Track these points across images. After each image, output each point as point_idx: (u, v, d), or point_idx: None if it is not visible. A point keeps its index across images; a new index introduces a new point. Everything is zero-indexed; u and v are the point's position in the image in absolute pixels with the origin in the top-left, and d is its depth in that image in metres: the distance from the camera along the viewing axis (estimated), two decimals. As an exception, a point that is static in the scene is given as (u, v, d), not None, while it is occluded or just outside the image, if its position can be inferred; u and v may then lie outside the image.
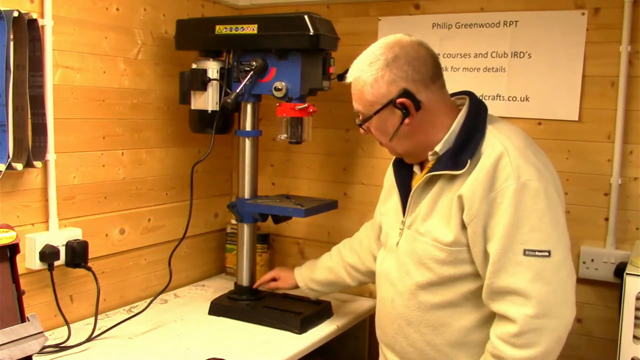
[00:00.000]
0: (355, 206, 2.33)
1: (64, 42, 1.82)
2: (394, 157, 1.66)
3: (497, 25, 2.05)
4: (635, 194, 1.92)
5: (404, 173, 1.62)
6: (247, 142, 2.06)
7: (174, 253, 2.01)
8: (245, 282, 2.09)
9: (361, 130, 1.58)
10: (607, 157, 1.93)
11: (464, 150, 1.44)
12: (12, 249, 1.35)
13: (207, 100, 2.00)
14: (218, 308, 2.05)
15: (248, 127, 2.05)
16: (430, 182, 1.50)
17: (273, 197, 2.15)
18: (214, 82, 1.99)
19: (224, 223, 2.54)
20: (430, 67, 1.47)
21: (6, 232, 1.34)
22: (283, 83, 1.89)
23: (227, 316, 2.02)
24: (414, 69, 1.45)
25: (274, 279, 2.08)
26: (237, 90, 1.91)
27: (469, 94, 1.56)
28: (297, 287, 2.03)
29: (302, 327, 1.91)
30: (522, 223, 1.36)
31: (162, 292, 2.02)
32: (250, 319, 1.98)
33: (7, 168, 1.65)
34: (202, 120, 2.03)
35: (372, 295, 2.35)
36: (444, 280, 1.46)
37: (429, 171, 1.50)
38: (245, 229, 2.09)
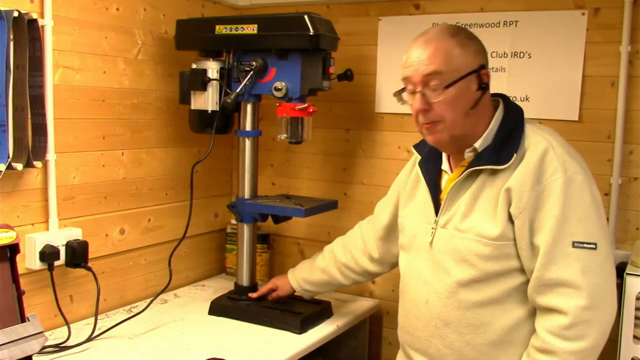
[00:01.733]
0: (355, 206, 2.33)
1: (64, 42, 1.82)
2: (419, 159, 1.65)
3: (497, 25, 2.05)
4: (635, 194, 1.92)
5: (432, 173, 1.61)
6: (247, 142, 2.06)
7: (174, 253, 2.01)
8: (245, 282, 2.09)
9: (421, 104, 1.45)
10: (607, 157, 1.93)
11: (507, 145, 1.45)
12: (12, 249, 1.36)
13: (207, 100, 2.00)
14: (218, 308, 2.05)
15: (248, 127, 2.05)
16: (468, 178, 1.50)
17: (273, 197, 2.15)
18: (214, 82, 1.99)
19: (224, 223, 2.54)
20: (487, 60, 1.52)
21: (6, 232, 1.34)
22: (283, 83, 1.89)
23: (227, 316, 2.02)
24: (485, 54, 1.50)
25: (272, 290, 2.06)
26: (237, 90, 1.91)
27: (502, 96, 1.57)
28: (294, 291, 2.03)
29: (302, 327, 1.91)
30: (571, 215, 1.37)
31: (162, 292, 2.02)
32: (250, 319, 1.98)
33: (7, 168, 1.65)
34: (202, 120, 2.03)
35: (372, 295, 2.35)
36: (488, 276, 1.45)
37: (469, 167, 1.49)
38: (245, 229, 2.09)
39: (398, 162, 2.25)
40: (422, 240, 1.59)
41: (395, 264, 1.83)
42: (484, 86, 1.46)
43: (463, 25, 2.06)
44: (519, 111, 1.54)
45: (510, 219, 1.42)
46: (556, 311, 1.37)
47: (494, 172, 1.46)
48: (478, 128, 1.50)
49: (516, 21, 2.02)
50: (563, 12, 1.95)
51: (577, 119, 1.96)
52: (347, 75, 2.09)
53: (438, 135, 1.49)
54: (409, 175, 1.73)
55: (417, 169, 1.66)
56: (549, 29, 1.98)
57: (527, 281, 1.44)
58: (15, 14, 1.61)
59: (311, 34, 1.84)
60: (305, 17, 1.85)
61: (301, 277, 2.01)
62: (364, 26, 2.27)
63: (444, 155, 1.61)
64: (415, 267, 1.61)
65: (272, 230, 2.46)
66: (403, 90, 1.54)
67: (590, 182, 1.42)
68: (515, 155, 1.43)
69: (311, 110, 1.93)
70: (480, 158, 1.48)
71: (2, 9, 1.60)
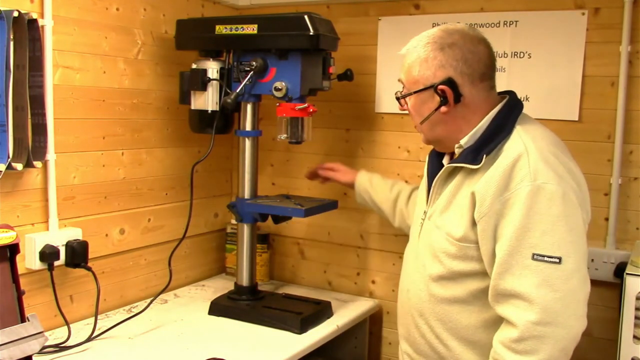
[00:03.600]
0: (355, 206, 2.33)
1: (64, 42, 1.82)
2: (432, 148, 1.66)
3: (497, 25, 2.04)
4: (635, 194, 1.92)
5: (434, 164, 1.62)
6: (247, 142, 2.06)
7: (174, 253, 2.01)
8: (245, 282, 2.09)
9: (398, 105, 1.59)
10: (607, 157, 1.93)
11: (485, 146, 1.43)
12: (12, 249, 1.36)
13: (207, 100, 2.00)
14: (218, 308, 2.05)
15: (248, 127, 2.05)
16: (451, 174, 1.51)
17: (273, 197, 2.15)
18: (214, 82, 1.99)
19: (224, 223, 2.54)
20: (482, 66, 1.47)
21: (6, 232, 1.34)
22: (283, 83, 1.89)
23: (227, 316, 2.02)
24: (466, 62, 1.45)
25: (331, 170, 2.09)
26: (237, 90, 1.91)
27: (509, 93, 1.56)
28: (352, 184, 2.05)
29: (302, 327, 1.91)
30: (534, 226, 1.33)
31: (162, 292, 2.02)
32: (250, 319, 1.98)
33: (7, 168, 1.65)
34: (202, 120, 2.03)
35: (372, 295, 2.35)
36: (453, 275, 1.46)
37: (450, 162, 1.50)
38: (245, 229, 2.09)
39: (398, 162, 2.25)
40: (414, 230, 1.63)
41: None
42: (442, 100, 1.45)
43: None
44: (514, 111, 1.50)
45: (474, 222, 1.41)
46: (508, 322, 1.35)
47: (472, 172, 1.44)
48: (463, 130, 1.48)
49: (516, 21, 2.02)
50: (563, 12, 1.95)
51: (577, 119, 1.96)
52: (347, 75, 2.09)
53: (421, 136, 1.59)
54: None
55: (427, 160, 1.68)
56: (549, 29, 1.98)
57: None
58: (15, 14, 1.61)
59: (311, 34, 1.84)
60: (305, 17, 1.85)
61: (368, 188, 2.02)
62: (364, 26, 2.27)
63: None
64: (406, 256, 1.67)
65: (272, 230, 2.46)
66: None
67: (565, 192, 1.34)
68: (485, 157, 1.40)
69: (311, 110, 1.93)
70: (461, 155, 1.48)
71: (2, 9, 1.60)
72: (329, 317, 2.06)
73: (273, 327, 1.93)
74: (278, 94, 1.90)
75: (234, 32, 1.94)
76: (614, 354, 1.57)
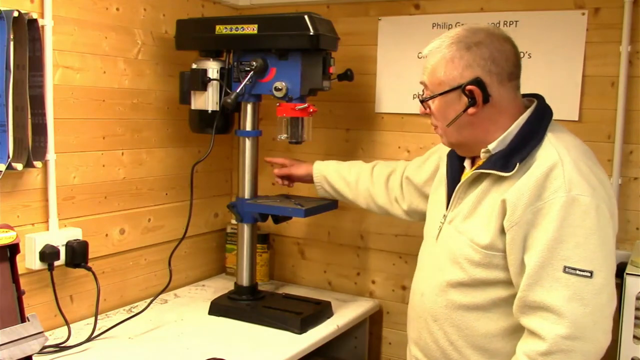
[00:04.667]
0: (355, 206, 2.33)
1: (64, 42, 1.82)
2: (449, 149, 1.62)
3: (497, 25, 2.04)
4: (635, 194, 1.92)
5: (455, 167, 1.58)
6: (247, 142, 2.06)
7: (174, 253, 2.01)
8: (245, 282, 2.09)
9: (421, 109, 1.53)
10: (607, 157, 1.92)
11: (517, 153, 1.39)
12: (12, 249, 1.36)
13: (207, 100, 2.00)
14: (218, 308, 2.05)
15: (248, 127, 2.05)
16: (477, 180, 1.46)
17: (273, 197, 2.15)
18: (214, 82, 1.99)
19: (224, 223, 2.54)
20: (510, 65, 1.43)
21: (6, 232, 1.34)
22: (283, 83, 1.89)
23: (227, 316, 2.02)
24: (494, 61, 1.41)
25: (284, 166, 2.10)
26: (237, 90, 1.91)
27: (538, 97, 1.52)
28: (309, 176, 2.05)
29: (302, 327, 1.91)
30: (567, 238, 1.30)
31: (162, 292, 2.02)
32: (250, 319, 1.98)
33: (7, 168, 1.65)
34: (202, 120, 2.03)
35: (372, 295, 2.35)
36: (475, 282, 1.43)
37: (478, 168, 1.46)
38: (245, 229, 2.09)
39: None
40: (432, 233, 1.58)
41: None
42: (471, 101, 1.41)
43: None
44: (545, 117, 1.47)
45: (503, 231, 1.37)
46: (536, 335, 1.32)
47: (500, 179, 1.40)
48: (495, 132, 1.44)
49: (516, 21, 2.02)
50: (563, 12, 1.95)
51: (577, 119, 1.96)
52: (347, 75, 2.09)
53: (441, 139, 1.54)
54: (444, 161, 1.70)
55: (445, 160, 1.63)
56: (549, 29, 1.98)
57: (515, 295, 1.39)
58: (15, 14, 1.61)
59: (311, 34, 1.84)
60: (305, 17, 1.85)
61: (325, 173, 2.01)
62: (364, 26, 2.27)
63: None
64: (422, 258, 1.63)
65: (272, 230, 2.46)
66: None
67: (599, 205, 1.32)
68: (518, 164, 1.36)
69: (311, 110, 1.93)
70: (489, 161, 1.43)
71: (2, 9, 1.60)
72: (329, 317, 2.06)
73: (273, 327, 1.93)
74: (278, 94, 1.90)
75: (234, 32, 1.94)
76: (614, 354, 1.57)
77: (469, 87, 1.40)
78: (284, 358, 1.75)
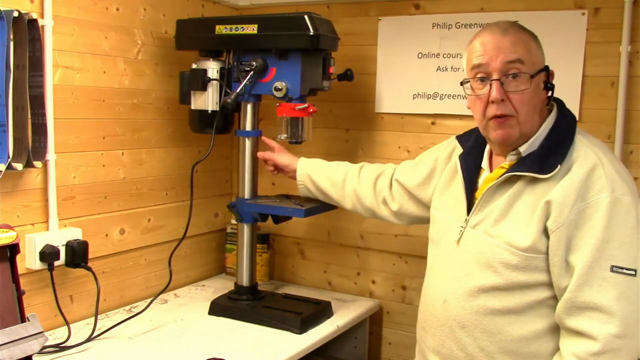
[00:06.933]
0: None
1: (64, 42, 1.82)
2: (460, 152, 1.60)
3: (497, 25, 2.04)
4: (635, 194, 1.92)
5: (471, 169, 1.56)
6: (247, 142, 2.06)
7: (174, 253, 2.01)
8: (245, 282, 2.09)
9: (499, 91, 1.38)
10: (607, 157, 1.92)
11: (553, 154, 1.39)
12: (12, 249, 1.36)
13: (207, 100, 2.00)
14: (218, 308, 2.05)
15: (248, 127, 2.05)
16: (507, 182, 1.44)
17: (273, 197, 2.14)
18: (214, 82, 1.99)
19: (224, 223, 2.54)
20: None
21: (6, 232, 1.34)
22: (283, 83, 1.89)
23: (227, 316, 2.02)
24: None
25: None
26: (237, 90, 1.91)
27: (557, 101, 1.51)
28: (292, 170, 2.00)
29: (302, 327, 1.91)
30: (613, 238, 1.31)
31: (162, 292, 2.02)
32: (250, 319, 1.98)
33: (7, 168, 1.65)
34: (202, 120, 2.03)
35: (372, 295, 2.35)
36: (512, 286, 1.40)
37: (509, 171, 1.43)
38: (245, 229, 2.09)
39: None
40: (450, 238, 1.54)
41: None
42: (550, 85, 1.41)
43: (462, 25, 2.10)
44: (571, 119, 1.47)
45: (545, 233, 1.36)
46: (586, 336, 1.31)
47: (534, 181, 1.39)
48: (532, 128, 1.44)
49: (516, 21, 2.02)
50: (563, 12, 1.95)
51: (577, 119, 1.95)
52: (347, 75, 2.09)
53: (508, 130, 1.42)
54: (447, 163, 1.68)
55: (457, 162, 1.60)
56: (549, 29, 1.97)
57: (553, 296, 1.39)
58: (15, 14, 1.61)
59: (311, 33, 1.84)
60: (305, 17, 1.85)
61: (309, 172, 1.97)
62: (364, 26, 2.27)
63: (486, 153, 1.56)
64: (439, 264, 1.59)
65: (272, 230, 2.46)
66: (467, 80, 1.48)
67: (637, 204, 1.34)
68: (559, 166, 1.36)
69: (311, 110, 1.93)
70: (523, 163, 1.42)
71: (2, 9, 1.60)
72: (329, 317, 2.06)
73: (273, 327, 1.93)
74: (278, 94, 1.90)
75: (234, 32, 1.94)
76: None
77: (551, 70, 1.42)
78: (284, 358, 1.75)
